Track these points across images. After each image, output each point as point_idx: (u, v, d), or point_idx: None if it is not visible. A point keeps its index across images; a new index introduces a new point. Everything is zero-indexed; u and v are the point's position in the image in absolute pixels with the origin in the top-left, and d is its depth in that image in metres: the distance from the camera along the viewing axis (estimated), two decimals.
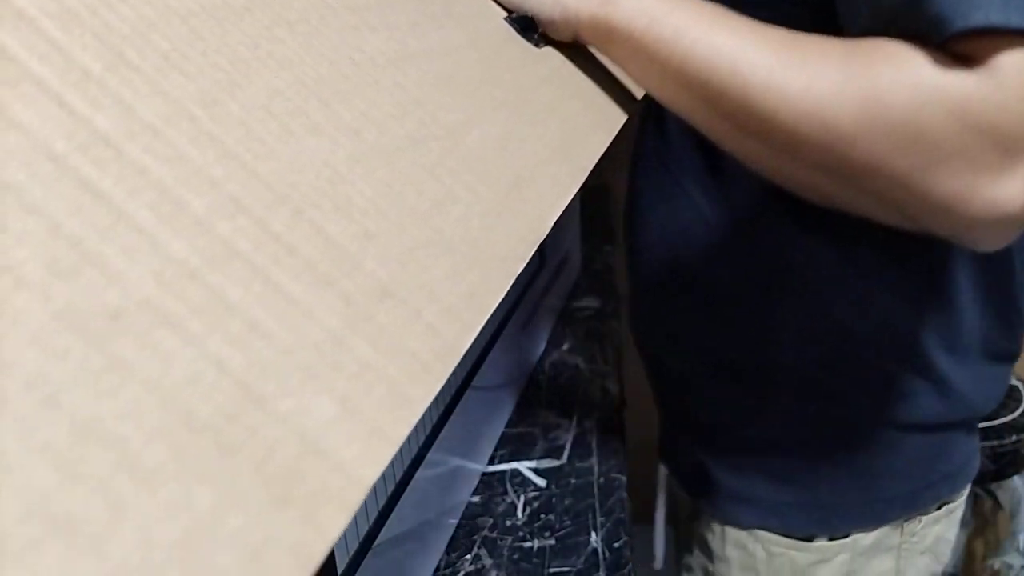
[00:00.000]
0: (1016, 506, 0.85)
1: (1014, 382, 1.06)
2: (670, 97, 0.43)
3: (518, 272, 0.27)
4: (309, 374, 0.18)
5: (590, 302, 0.88)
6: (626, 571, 0.50)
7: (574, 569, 0.51)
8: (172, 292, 0.17)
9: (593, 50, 0.49)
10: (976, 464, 0.64)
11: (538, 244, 0.29)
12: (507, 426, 0.65)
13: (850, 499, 0.59)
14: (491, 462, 0.61)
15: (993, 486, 1.03)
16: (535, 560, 0.51)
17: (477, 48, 0.39)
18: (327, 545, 0.15)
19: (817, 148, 0.38)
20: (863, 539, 0.59)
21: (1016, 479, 0.96)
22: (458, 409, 0.51)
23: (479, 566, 0.50)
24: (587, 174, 0.37)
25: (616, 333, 0.83)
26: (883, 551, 0.60)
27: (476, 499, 0.57)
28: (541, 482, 0.59)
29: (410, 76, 0.31)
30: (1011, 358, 0.60)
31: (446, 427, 0.49)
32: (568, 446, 0.63)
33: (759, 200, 0.55)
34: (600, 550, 0.52)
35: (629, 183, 0.67)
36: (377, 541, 0.41)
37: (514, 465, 0.60)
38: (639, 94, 0.52)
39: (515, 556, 0.52)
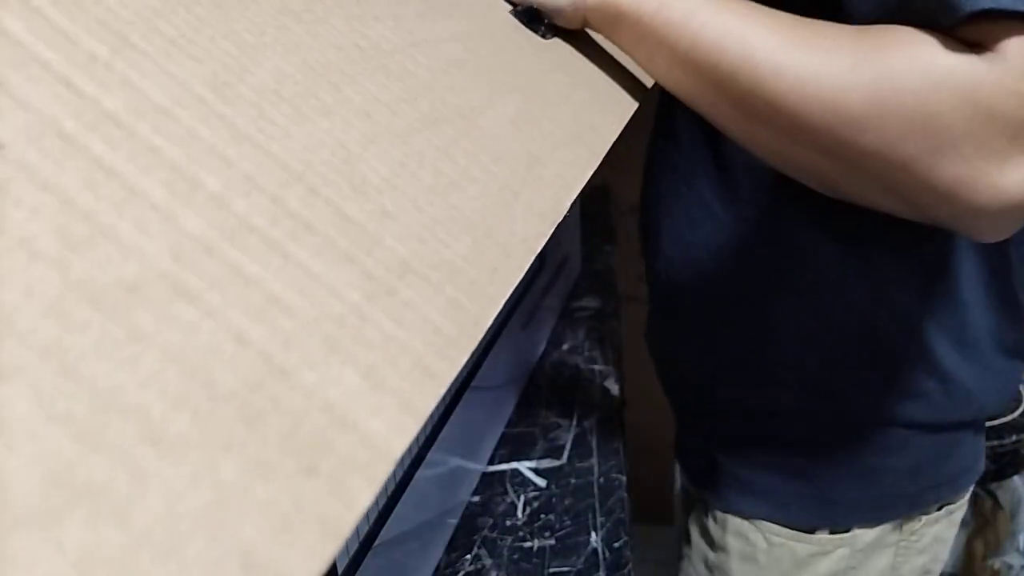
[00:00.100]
0: (1016, 506, 0.84)
1: None
2: (677, 82, 0.43)
3: (539, 249, 0.26)
4: (332, 347, 0.17)
5: (590, 302, 0.88)
6: (626, 571, 0.50)
7: (574, 569, 0.50)
8: (189, 266, 0.16)
9: (600, 41, 0.49)
10: (981, 466, 0.63)
11: (557, 223, 0.28)
12: (507, 426, 0.64)
13: (855, 495, 0.58)
14: (491, 462, 0.60)
15: (993, 486, 1.03)
16: (535, 560, 0.51)
17: (485, 38, 0.39)
18: (356, 517, 0.15)
19: (825, 132, 0.37)
20: (864, 535, 0.59)
21: (1016, 479, 0.95)
22: (458, 409, 0.51)
23: (479, 566, 0.50)
24: (601, 159, 0.36)
25: (616, 333, 0.82)
26: (882, 548, 0.60)
27: (476, 499, 0.56)
28: (541, 482, 0.58)
29: (419, 62, 0.31)
30: (1021, 354, 0.59)
31: (446, 427, 0.49)
32: (568, 446, 0.63)
33: (769, 200, 0.54)
34: (600, 550, 0.52)
35: (643, 190, 0.67)
36: (377, 541, 0.40)
37: (514, 465, 0.60)
38: (648, 83, 0.51)
39: (515, 556, 0.51)
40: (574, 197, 0.31)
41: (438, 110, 0.29)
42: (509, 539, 0.53)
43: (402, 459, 0.45)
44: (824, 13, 0.39)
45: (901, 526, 0.60)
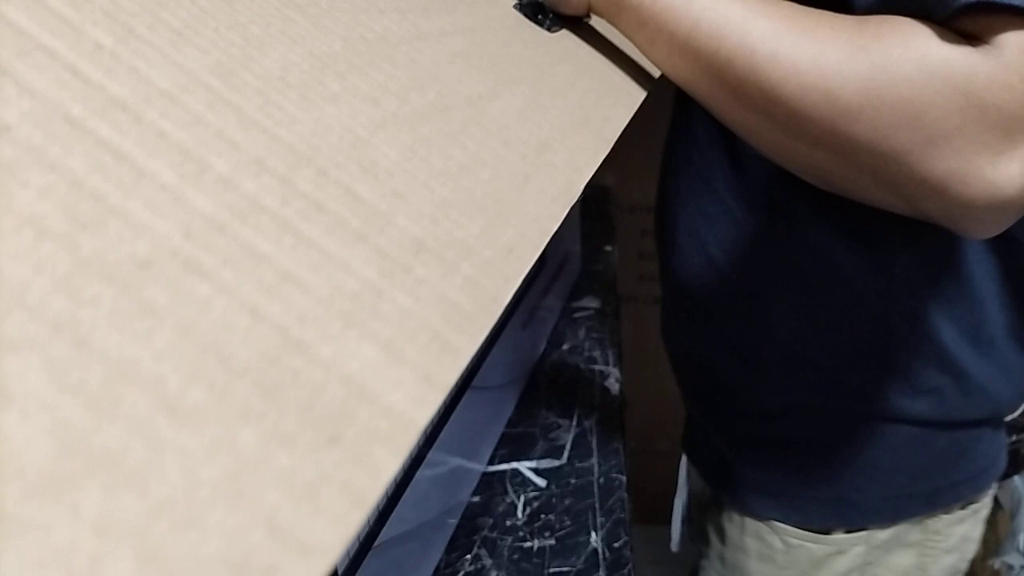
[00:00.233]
0: (1016, 506, 0.83)
1: None
2: (676, 68, 0.43)
3: (553, 231, 0.26)
4: (349, 322, 0.17)
5: (590, 302, 0.87)
6: (626, 571, 0.50)
7: (574, 569, 0.50)
8: (200, 244, 0.16)
9: (606, 33, 0.49)
10: (1003, 464, 0.62)
11: (571, 205, 0.28)
12: (507, 426, 0.64)
13: (868, 495, 0.58)
14: (491, 462, 0.60)
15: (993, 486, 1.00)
16: (535, 560, 0.50)
17: (490, 31, 0.38)
18: (382, 486, 0.14)
19: (820, 121, 0.37)
20: (879, 533, 0.58)
21: (1016, 479, 0.93)
22: (458, 409, 0.50)
23: (479, 566, 0.50)
24: (611, 145, 0.36)
25: (616, 333, 0.82)
26: (902, 547, 0.59)
27: (476, 499, 0.56)
28: (541, 482, 0.58)
29: (425, 53, 0.31)
30: None
31: (446, 427, 0.48)
32: (568, 446, 0.62)
33: (783, 197, 0.54)
34: (600, 550, 0.51)
35: (660, 186, 0.67)
36: (377, 541, 0.40)
37: (514, 465, 0.60)
38: (656, 73, 0.51)
39: (515, 556, 0.51)
40: (586, 180, 0.31)
41: (446, 98, 0.29)
42: (509, 539, 0.52)
43: None
44: (829, 5, 0.39)
45: (923, 525, 0.59)
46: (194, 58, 0.21)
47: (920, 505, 0.58)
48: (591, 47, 0.46)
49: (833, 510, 0.58)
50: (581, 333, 0.80)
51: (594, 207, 1.10)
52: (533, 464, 0.59)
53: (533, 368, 0.71)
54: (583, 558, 0.50)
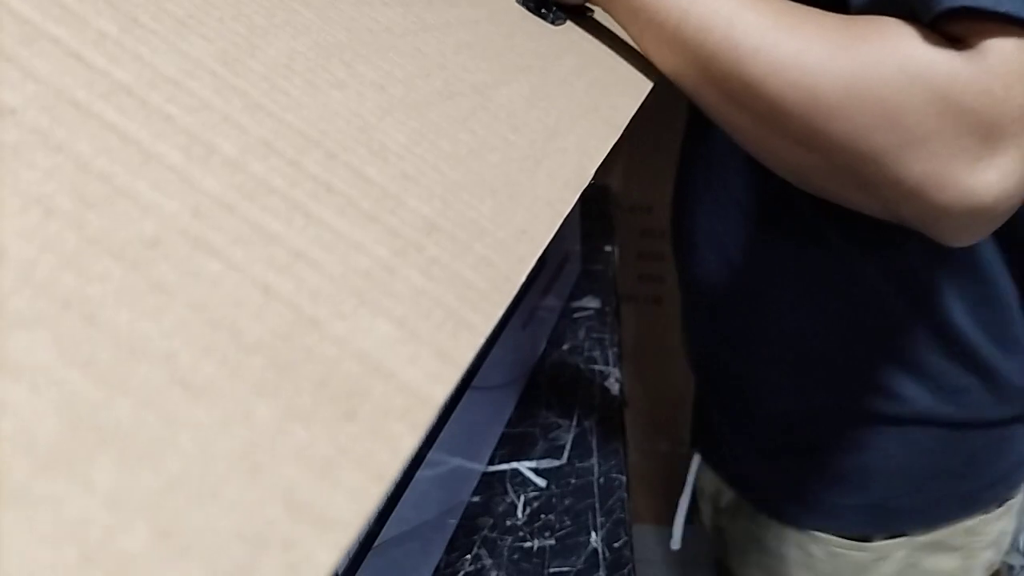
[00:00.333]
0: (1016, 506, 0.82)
1: None
2: (664, 59, 0.43)
3: (565, 214, 0.25)
4: (362, 299, 0.16)
5: (590, 302, 0.87)
6: (626, 571, 0.49)
7: (574, 569, 0.49)
8: (210, 223, 0.16)
9: (611, 25, 0.48)
10: None
11: (582, 190, 0.28)
12: (507, 426, 0.63)
13: (905, 501, 0.58)
14: (491, 462, 0.59)
15: None
16: (535, 560, 0.50)
17: (494, 23, 0.38)
18: (401, 461, 0.14)
19: (799, 118, 0.37)
20: (920, 537, 0.58)
21: None
22: (458, 409, 0.50)
23: (479, 566, 0.49)
24: (620, 132, 0.36)
25: (616, 333, 0.81)
26: (944, 550, 0.59)
27: (476, 499, 0.55)
28: (541, 482, 0.57)
29: (430, 44, 0.31)
30: None
31: (446, 427, 0.48)
32: (568, 446, 0.62)
33: (801, 199, 0.53)
34: (600, 550, 0.51)
35: (676, 185, 0.67)
36: (377, 541, 0.40)
37: (514, 465, 0.59)
38: None
39: (515, 556, 0.50)
40: (597, 165, 0.30)
41: (452, 86, 0.29)
42: (509, 539, 0.52)
43: None
44: (825, 2, 0.39)
45: (963, 527, 0.58)
46: (199, 46, 0.21)
47: (958, 508, 0.58)
48: (596, 39, 0.46)
49: (871, 517, 0.58)
50: (581, 333, 0.80)
51: (594, 207, 1.10)
52: (533, 464, 0.59)
53: (533, 368, 0.70)
54: (583, 558, 0.50)
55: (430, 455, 0.46)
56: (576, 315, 0.83)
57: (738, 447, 0.65)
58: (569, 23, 0.45)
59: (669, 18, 0.40)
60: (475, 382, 0.53)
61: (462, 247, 0.20)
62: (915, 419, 0.55)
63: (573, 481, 0.58)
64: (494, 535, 0.52)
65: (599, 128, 0.34)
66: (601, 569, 0.49)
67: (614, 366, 0.75)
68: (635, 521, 0.58)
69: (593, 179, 0.32)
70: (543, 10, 0.43)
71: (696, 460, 0.74)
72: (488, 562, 0.49)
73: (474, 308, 0.18)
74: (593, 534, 0.52)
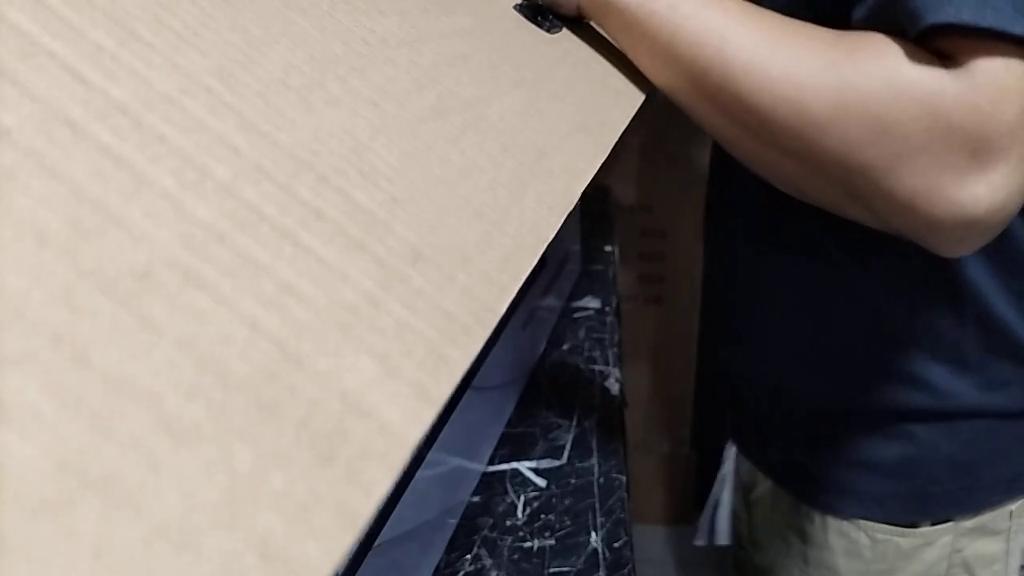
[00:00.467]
0: None
1: None
2: (658, 73, 0.43)
3: (550, 238, 0.26)
4: (346, 335, 0.17)
5: (590, 302, 0.87)
6: (626, 571, 0.49)
7: (574, 569, 0.50)
8: (200, 254, 0.16)
9: (606, 33, 0.48)
10: None
11: (567, 213, 0.28)
12: (507, 426, 0.63)
13: (949, 487, 0.58)
14: (491, 462, 0.59)
15: None
16: (535, 560, 0.50)
17: (489, 32, 0.38)
18: (374, 505, 0.14)
19: (790, 132, 0.38)
20: (965, 522, 0.59)
21: None
22: (458, 409, 0.50)
23: (479, 566, 0.49)
24: (608, 151, 0.36)
25: (616, 333, 0.82)
26: (988, 534, 0.59)
27: (476, 499, 0.56)
28: (541, 482, 0.58)
29: (425, 55, 0.31)
30: None
31: (446, 427, 0.49)
32: (568, 446, 0.62)
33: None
34: (600, 550, 0.51)
35: (708, 191, 0.68)
36: (377, 541, 0.40)
37: (514, 465, 0.59)
38: None
39: (515, 556, 0.51)
40: (583, 189, 0.31)
41: (445, 102, 0.29)
42: (509, 539, 0.52)
43: None
44: (831, 16, 0.39)
45: (1007, 510, 0.59)
46: (195, 61, 0.21)
47: (1002, 492, 0.59)
48: (591, 48, 0.46)
49: (916, 505, 0.59)
50: (581, 333, 0.80)
51: (594, 207, 1.10)
52: (533, 464, 0.59)
53: (533, 368, 0.71)
54: (583, 558, 0.50)
55: (430, 455, 0.47)
56: (576, 315, 0.84)
57: (779, 440, 0.65)
58: (564, 30, 0.46)
59: (661, 33, 0.41)
60: (475, 382, 0.53)
61: (446, 277, 0.21)
62: (963, 413, 0.56)
63: (573, 481, 0.58)
64: (494, 535, 0.52)
65: (588, 147, 0.34)
66: (601, 569, 0.49)
67: (614, 366, 0.75)
68: (635, 521, 0.58)
69: (593, 179, 0.32)
70: (539, 18, 0.43)
71: (732, 452, 0.75)
72: (488, 562, 0.49)
73: (454, 342, 0.19)
74: (593, 534, 0.52)
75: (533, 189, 0.28)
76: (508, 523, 0.53)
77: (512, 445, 0.62)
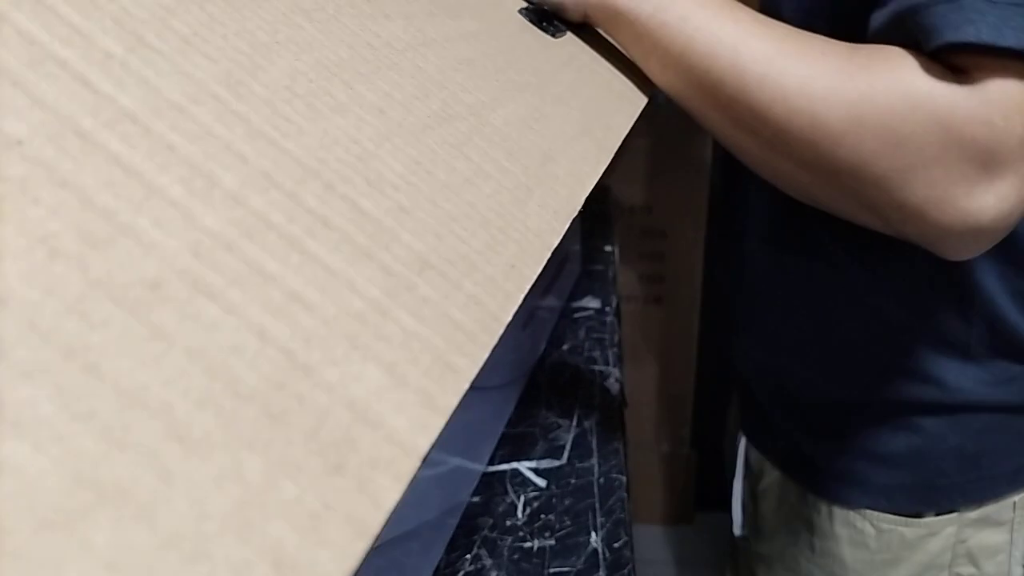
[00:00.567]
0: None
1: None
2: (669, 82, 0.44)
3: (555, 245, 0.26)
4: (354, 344, 0.17)
5: (590, 302, 0.87)
6: (626, 571, 0.50)
7: (574, 569, 0.50)
8: (209, 263, 0.16)
9: (610, 37, 0.49)
10: None
11: (572, 217, 0.28)
12: (507, 426, 0.64)
13: (955, 479, 0.59)
14: (491, 462, 0.60)
15: None
16: (535, 560, 0.50)
17: (494, 36, 0.38)
18: (384, 515, 0.14)
19: (805, 144, 0.38)
20: (969, 513, 0.60)
21: None
22: (458, 409, 0.50)
23: (479, 566, 0.49)
24: (612, 154, 0.36)
25: (616, 333, 0.82)
26: (992, 525, 0.60)
27: (476, 499, 0.56)
28: (541, 482, 0.58)
29: (430, 60, 0.31)
30: None
31: (446, 427, 0.49)
32: (568, 446, 0.62)
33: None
34: (600, 550, 0.51)
35: (723, 185, 0.69)
36: (377, 541, 0.40)
37: (514, 465, 0.60)
38: None
39: (515, 556, 0.51)
40: (587, 193, 0.31)
41: (450, 107, 0.29)
42: (509, 539, 0.52)
43: None
44: (847, 27, 0.40)
45: (1010, 502, 0.60)
46: (203, 67, 0.21)
47: (1006, 484, 0.60)
48: (595, 52, 0.46)
49: (922, 495, 0.60)
50: (581, 333, 0.80)
51: (594, 207, 1.10)
52: (533, 464, 0.59)
53: (533, 368, 0.71)
54: (583, 558, 0.50)
55: (430, 455, 0.47)
56: (576, 315, 0.84)
57: (788, 431, 0.66)
58: (568, 34, 0.46)
59: (674, 44, 0.41)
60: (475, 382, 0.53)
61: (453, 285, 0.21)
62: (969, 407, 0.58)
63: (573, 481, 0.58)
64: (494, 535, 0.52)
65: (592, 151, 0.34)
66: (601, 569, 0.49)
67: (614, 366, 0.76)
68: (635, 521, 0.58)
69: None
70: (544, 23, 0.44)
71: (743, 443, 0.76)
72: (488, 562, 0.49)
73: (461, 351, 0.19)
74: (593, 534, 0.52)
75: (538, 194, 0.28)
76: (508, 523, 0.54)
77: (512, 445, 0.62)
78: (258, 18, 0.25)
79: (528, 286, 0.23)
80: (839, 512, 0.63)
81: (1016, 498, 0.60)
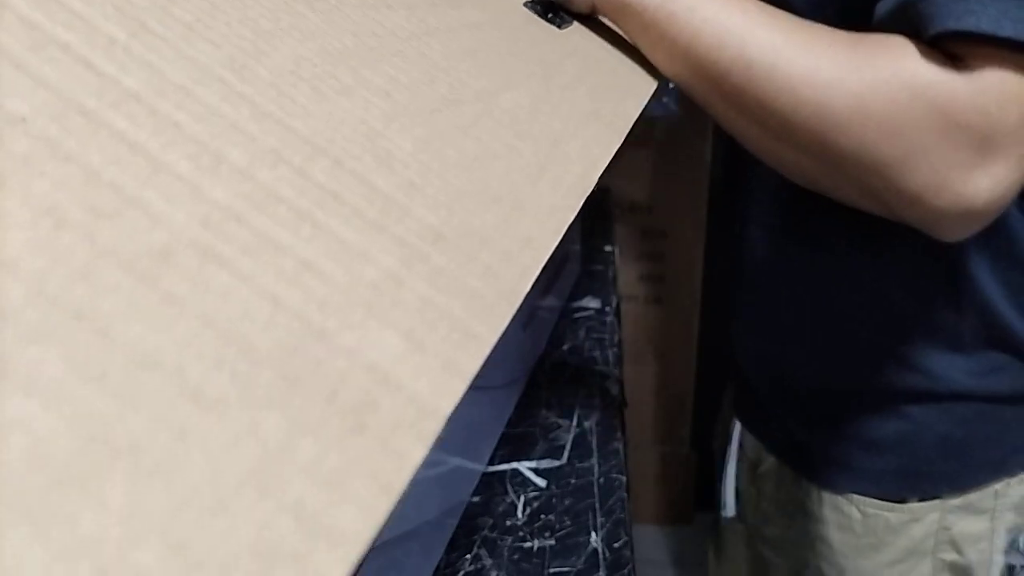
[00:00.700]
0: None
1: None
2: (676, 72, 0.44)
3: (570, 221, 0.25)
4: (370, 310, 0.17)
5: (590, 302, 0.87)
6: (626, 571, 0.49)
7: (574, 569, 0.50)
8: (219, 234, 0.16)
9: (617, 27, 0.48)
10: None
11: (586, 195, 0.28)
12: (507, 426, 0.63)
13: (940, 466, 0.61)
14: (491, 462, 0.59)
15: None
16: (535, 560, 0.50)
17: (498, 27, 0.38)
18: (409, 472, 0.14)
19: (810, 132, 0.39)
20: (952, 500, 0.62)
21: (1015, 480, 0.94)
22: (458, 409, 0.50)
23: (479, 566, 0.49)
24: (624, 136, 0.36)
25: (616, 333, 0.82)
26: (975, 512, 0.62)
27: (476, 499, 0.55)
28: (541, 482, 0.58)
29: (434, 48, 0.31)
30: None
31: (446, 427, 0.48)
32: (568, 446, 0.62)
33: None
34: (600, 550, 0.51)
35: (723, 165, 0.71)
36: (377, 541, 0.40)
37: (514, 465, 0.59)
38: None
39: (515, 556, 0.50)
40: (601, 171, 0.30)
41: (457, 92, 0.29)
42: (509, 539, 0.52)
43: None
44: (855, 15, 0.41)
45: (992, 490, 0.62)
46: (206, 53, 0.21)
47: (989, 472, 0.61)
48: (600, 41, 0.46)
49: (908, 481, 0.62)
50: (581, 333, 0.80)
51: (594, 207, 1.10)
52: (533, 464, 0.59)
53: (533, 368, 0.71)
54: (583, 558, 0.50)
55: (430, 455, 0.47)
56: (576, 315, 0.83)
57: (782, 417, 0.68)
58: (575, 23, 0.45)
59: (681, 35, 0.42)
60: (475, 382, 0.53)
61: (468, 257, 0.20)
62: (957, 396, 0.59)
63: (573, 481, 0.58)
64: (494, 535, 0.52)
65: (603, 133, 0.34)
66: (601, 569, 0.49)
67: (614, 366, 0.75)
68: (635, 521, 0.58)
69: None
70: (550, 15, 0.43)
71: (736, 428, 0.78)
72: (488, 562, 0.49)
73: (480, 318, 0.19)
74: (593, 534, 0.52)
75: (550, 174, 0.28)
76: (508, 523, 0.53)
77: (512, 445, 0.62)
78: (260, 6, 0.24)
79: (545, 259, 0.23)
80: (828, 497, 0.65)
81: (998, 486, 0.62)
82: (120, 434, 0.12)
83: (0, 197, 0.14)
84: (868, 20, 0.41)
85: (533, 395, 0.68)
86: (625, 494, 0.57)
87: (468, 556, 0.50)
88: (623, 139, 0.36)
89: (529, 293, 0.19)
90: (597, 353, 0.77)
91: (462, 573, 0.48)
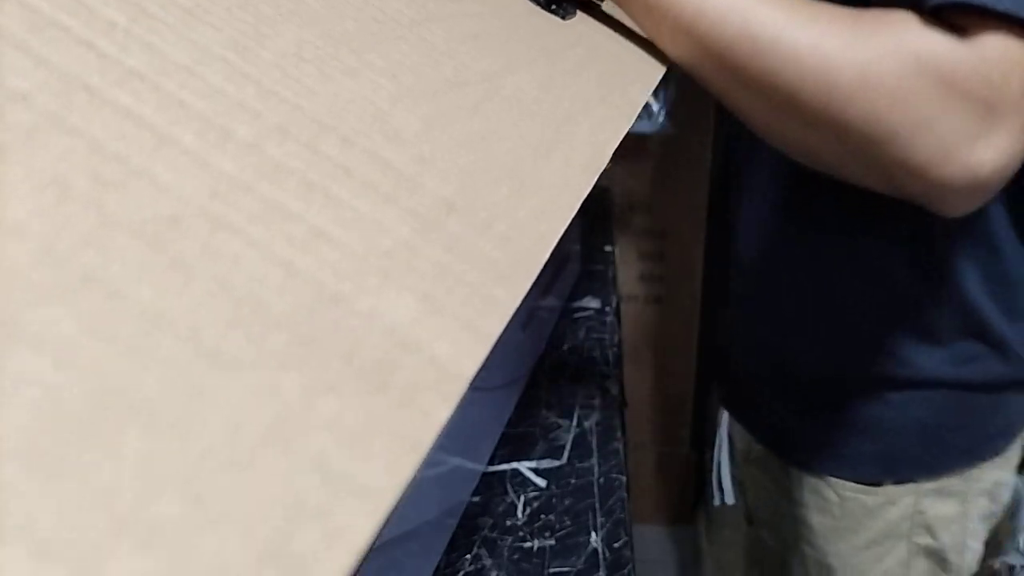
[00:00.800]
0: (1016, 506, 0.82)
1: None
2: (679, 50, 0.44)
3: (584, 195, 0.25)
4: (387, 276, 0.16)
5: (590, 302, 0.86)
6: (626, 571, 0.49)
7: (574, 569, 0.49)
8: (228, 203, 0.15)
9: (621, 16, 0.48)
10: None
11: (599, 173, 0.27)
12: (507, 426, 0.63)
13: (915, 451, 0.63)
14: (491, 462, 0.59)
15: None
16: (535, 560, 0.50)
17: (500, 16, 0.38)
18: (434, 431, 0.13)
19: (815, 105, 0.39)
20: (926, 484, 0.63)
21: (1015, 480, 0.93)
22: (458, 409, 0.50)
23: (479, 566, 0.49)
24: (633, 119, 0.35)
25: (616, 333, 0.81)
26: (947, 495, 0.64)
27: (476, 499, 0.55)
28: (541, 482, 0.57)
29: (436, 34, 0.30)
30: None
31: (446, 427, 0.48)
32: (568, 446, 0.62)
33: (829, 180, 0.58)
34: (600, 550, 0.51)
35: (725, 153, 0.71)
36: (377, 541, 0.39)
37: (514, 465, 0.59)
38: None
39: (515, 556, 0.50)
40: (612, 151, 0.30)
41: (461, 74, 0.28)
42: (509, 539, 0.52)
43: None
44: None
45: (964, 475, 0.64)
46: (208, 36, 0.21)
47: (961, 457, 0.63)
48: (606, 30, 0.46)
49: (883, 464, 0.64)
50: (581, 333, 0.80)
51: (594, 207, 1.09)
52: (533, 464, 0.59)
53: (533, 368, 0.70)
54: (583, 558, 0.50)
55: (430, 455, 0.46)
56: (576, 315, 0.83)
57: (771, 405, 0.70)
58: (579, 13, 0.45)
59: (684, 13, 0.42)
60: (475, 382, 0.53)
61: (483, 225, 0.20)
62: (933, 383, 0.61)
63: (573, 481, 0.58)
64: (494, 535, 0.52)
65: (611, 115, 0.33)
66: (601, 569, 0.49)
67: (614, 366, 0.75)
68: (635, 521, 0.58)
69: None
70: (553, 6, 0.43)
71: (725, 418, 0.80)
72: (488, 562, 0.49)
73: (499, 283, 0.18)
74: (593, 534, 0.52)
75: (560, 153, 0.27)
76: (508, 523, 0.53)
77: (512, 445, 0.61)
78: None
79: (562, 230, 0.22)
80: (808, 480, 0.67)
81: (971, 471, 0.63)
82: (135, 391, 0.11)
83: (3, 168, 0.13)
84: None
85: (533, 395, 0.68)
86: (625, 494, 0.57)
87: (468, 556, 0.50)
88: (632, 121, 0.35)
89: (529, 293, 0.19)
90: (597, 353, 0.77)
91: (462, 573, 0.48)
